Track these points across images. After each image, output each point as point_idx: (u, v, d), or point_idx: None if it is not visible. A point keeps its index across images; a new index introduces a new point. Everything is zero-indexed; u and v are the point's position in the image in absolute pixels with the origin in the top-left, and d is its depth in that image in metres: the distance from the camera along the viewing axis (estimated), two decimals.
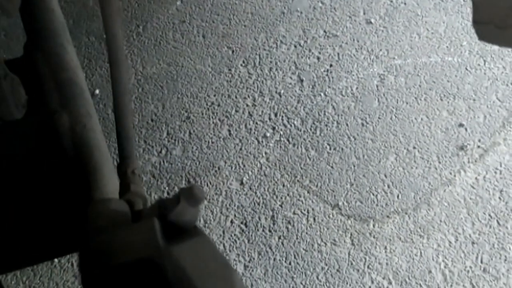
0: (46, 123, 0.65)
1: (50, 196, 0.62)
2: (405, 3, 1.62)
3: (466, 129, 1.29)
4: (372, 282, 1.09)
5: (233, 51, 1.63)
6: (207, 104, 1.53)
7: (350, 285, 1.10)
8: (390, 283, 1.09)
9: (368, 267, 1.11)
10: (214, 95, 1.54)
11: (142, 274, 0.39)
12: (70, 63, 0.73)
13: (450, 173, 1.22)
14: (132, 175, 0.60)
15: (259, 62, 1.59)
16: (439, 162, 1.25)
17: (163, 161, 1.42)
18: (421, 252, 1.11)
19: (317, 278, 1.12)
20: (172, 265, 0.39)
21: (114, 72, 0.64)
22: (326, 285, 1.11)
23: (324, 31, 1.61)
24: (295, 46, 1.59)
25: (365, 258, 1.13)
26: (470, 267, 1.08)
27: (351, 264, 1.13)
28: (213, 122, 1.48)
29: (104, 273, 0.38)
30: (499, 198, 1.16)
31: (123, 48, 0.65)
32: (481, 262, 1.08)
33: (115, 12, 0.65)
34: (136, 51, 1.71)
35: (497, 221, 1.13)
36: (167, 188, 1.37)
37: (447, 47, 1.48)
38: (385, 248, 1.13)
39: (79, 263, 0.43)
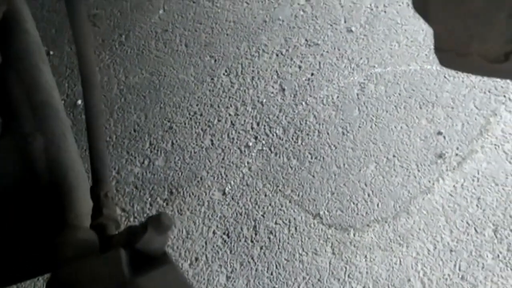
0: (20, 145, 0.65)
1: (25, 220, 0.62)
2: (385, 11, 1.64)
3: (444, 137, 1.31)
4: None
5: (215, 60, 1.64)
6: (189, 114, 1.53)
7: None
8: None
9: (348, 276, 1.13)
10: (197, 105, 1.55)
11: None
12: (45, 85, 0.73)
13: (429, 181, 1.24)
14: (105, 198, 0.60)
15: (242, 71, 1.59)
16: (418, 171, 1.26)
17: (146, 172, 1.42)
18: (400, 261, 1.13)
19: (298, 287, 1.13)
20: None
21: (86, 95, 0.64)
22: None
23: (306, 40, 1.62)
24: (277, 55, 1.60)
25: (346, 267, 1.14)
26: (449, 275, 1.09)
27: (332, 273, 1.14)
28: (195, 132, 1.49)
29: None
30: (477, 205, 1.18)
31: (96, 71, 0.66)
32: (459, 269, 1.10)
33: (87, 34, 0.65)
34: (119, 60, 1.71)
35: (474, 228, 1.15)
36: (149, 199, 1.37)
37: (426, 55, 1.50)
38: (365, 257, 1.15)
39: None
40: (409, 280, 1.10)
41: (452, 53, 0.49)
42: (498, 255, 1.10)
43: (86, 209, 0.68)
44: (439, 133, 1.32)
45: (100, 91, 0.67)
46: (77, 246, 0.46)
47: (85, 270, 0.42)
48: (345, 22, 1.64)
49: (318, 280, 1.14)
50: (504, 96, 1.38)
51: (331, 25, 1.64)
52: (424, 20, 0.51)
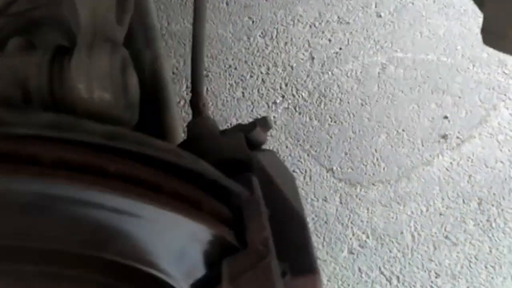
0: (133, 57, 0.80)
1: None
2: (413, 3, 1.80)
3: (449, 121, 1.50)
4: (353, 235, 1.30)
5: (253, 22, 1.79)
6: (225, 66, 1.69)
7: (334, 235, 1.31)
8: (368, 237, 1.30)
9: (351, 222, 1.32)
10: (232, 59, 1.70)
11: (234, 172, 0.55)
12: (153, 11, 0.88)
13: (430, 156, 1.43)
14: (203, 107, 0.77)
15: (276, 35, 1.75)
16: (422, 145, 1.45)
17: (181, 111, 1.58)
18: (396, 216, 1.32)
19: None
20: (257, 165, 0.56)
21: (196, 22, 0.80)
22: (315, 233, 1.31)
23: (338, 17, 1.78)
24: (310, 26, 1.76)
25: (350, 215, 1.33)
26: (435, 233, 1.29)
27: (337, 218, 1.33)
28: (229, 83, 1.65)
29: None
30: (467, 181, 1.38)
31: (206, 2, 0.81)
32: (445, 230, 1.30)
33: None
34: (163, 7, 1.84)
35: (462, 199, 1.35)
36: (183, 135, 1.54)
37: (443, 48, 1.67)
38: (367, 209, 1.34)
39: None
40: (401, 232, 1.30)
41: (495, 35, 0.67)
42: (479, 223, 1.31)
43: (177, 115, 0.85)
44: (445, 117, 1.51)
45: (205, 20, 0.83)
46: (208, 128, 0.62)
47: (215, 143, 0.58)
48: (375, 7, 1.80)
49: (325, 222, 1.33)
50: (505, 95, 1.57)
51: (362, 8, 1.80)
52: (477, 7, 0.68)
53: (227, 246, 0.46)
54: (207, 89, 1.63)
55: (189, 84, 1.67)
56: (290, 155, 1.47)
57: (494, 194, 1.35)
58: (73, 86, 0.44)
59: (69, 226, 0.40)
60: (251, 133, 0.62)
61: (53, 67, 0.45)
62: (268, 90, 1.62)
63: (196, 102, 0.77)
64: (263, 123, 0.63)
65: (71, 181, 0.35)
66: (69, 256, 0.42)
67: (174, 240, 0.45)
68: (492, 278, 1.23)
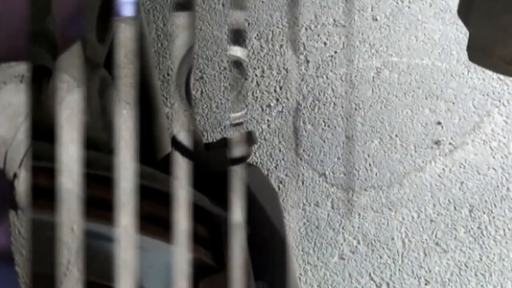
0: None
1: None
2: (409, 7, 1.79)
3: (442, 127, 1.50)
4: (344, 240, 1.31)
5: (249, 24, 1.78)
6: (220, 68, 1.68)
7: (325, 240, 1.31)
8: (359, 242, 1.30)
9: (342, 228, 1.32)
10: (227, 61, 1.70)
11: (216, 188, 0.56)
12: (142, 19, 0.88)
13: (423, 162, 1.43)
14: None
15: (272, 37, 1.75)
16: (415, 151, 1.46)
17: (175, 113, 1.58)
18: (388, 222, 1.33)
19: (299, 231, 1.33)
20: (239, 182, 0.57)
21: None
22: (305, 238, 1.32)
23: (334, 20, 1.77)
24: (306, 29, 1.76)
25: (341, 221, 1.34)
26: (426, 239, 1.30)
27: (329, 223, 1.34)
28: (223, 86, 1.65)
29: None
30: (459, 188, 1.39)
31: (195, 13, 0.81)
32: (435, 237, 1.31)
33: None
34: (159, 7, 1.84)
35: (454, 206, 1.35)
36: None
37: (438, 53, 1.67)
38: (359, 215, 1.34)
39: None
40: (392, 238, 1.30)
41: (480, 52, 0.67)
42: (470, 231, 1.31)
43: (166, 125, 0.85)
44: (438, 123, 1.51)
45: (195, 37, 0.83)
46: (193, 143, 0.63)
47: (205, 157, 0.59)
48: (371, 10, 1.79)
49: (316, 227, 1.33)
50: (499, 101, 1.57)
51: (358, 11, 1.80)
52: (464, 24, 0.68)
53: (205, 267, 0.46)
54: (201, 91, 1.63)
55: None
56: (282, 159, 1.47)
57: (485, 201, 1.36)
58: (50, 108, 0.45)
59: (48, 249, 0.41)
60: (235, 148, 0.63)
61: (31, 88, 0.45)
62: (263, 93, 1.62)
63: None
64: (248, 138, 0.64)
65: (43, 209, 0.35)
66: (49, 277, 0.42)
67: (153, 261, 0.45)
68: (482, 286, 1.24)
